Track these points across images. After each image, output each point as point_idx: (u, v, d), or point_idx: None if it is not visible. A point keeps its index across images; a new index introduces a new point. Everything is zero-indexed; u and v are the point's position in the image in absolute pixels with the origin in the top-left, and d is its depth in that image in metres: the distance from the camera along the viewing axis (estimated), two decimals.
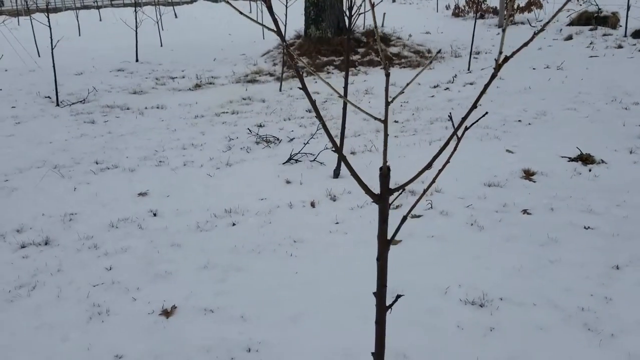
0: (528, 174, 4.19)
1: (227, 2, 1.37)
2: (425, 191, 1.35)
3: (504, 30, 1.16)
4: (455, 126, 1.47)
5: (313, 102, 1.25)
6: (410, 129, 5.49)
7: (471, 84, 7.27)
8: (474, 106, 1.18)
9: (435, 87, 7.28)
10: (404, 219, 1.44)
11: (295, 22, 10.17)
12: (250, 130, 5.57)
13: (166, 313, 2.71)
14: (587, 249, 3.08)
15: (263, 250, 3.27)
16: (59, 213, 3.90)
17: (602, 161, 4.33)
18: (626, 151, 4.51)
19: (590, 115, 5.57)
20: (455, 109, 6.10)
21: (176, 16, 16.37)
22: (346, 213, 3.72)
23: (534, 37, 1.18)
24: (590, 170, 4.19)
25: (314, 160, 4.68)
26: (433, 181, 1.42)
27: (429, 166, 1.26)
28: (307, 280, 2.94)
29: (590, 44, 9.43)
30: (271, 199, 4.00)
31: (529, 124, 5.41)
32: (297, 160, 4.71)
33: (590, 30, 10.28)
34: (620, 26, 10.16)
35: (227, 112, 6.49)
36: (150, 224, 3.70)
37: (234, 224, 3.63)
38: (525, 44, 1.08)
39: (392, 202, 1.42)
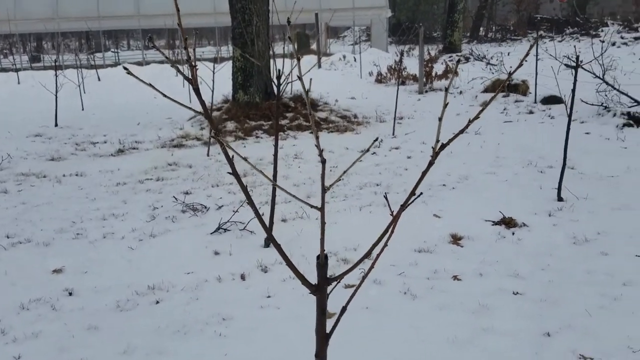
0: (455, 239, 4.26)
1: (142, 81, 1.30)
2: (359, 284, 1.30)
3: (440, 119, 1.16)
4: (392, 209, 1.44)
5: (242, 184, 1.18)
6: (341, 195, 5.51)
7: (396, 148, 7.46)
8: (413, 193, 1.16)
9: (362, 151, 7.41)
10: (344, 309, 1.38)
11: (223, 86, 10.21)
12: (176, 198, 5.39)
13: None
14: (518, 315, 3.11)
15: (189, 331, 3.07)
16: None
17: (524, 224, 4.49)
18: (545, 214, 4.70)
19: (509, 179, 5.82)
20: (383, 173, 6.21)
21: (99, 79, 16.04)
22: (278, 285, 3.59)
23: (469, 124, 1.18)
24: (513, 234, 4.32)
25: (244, 229, 4.56)
26: (366, 274, 1.38)
27: (365, 257, 1.23)
28: None
29: (504, 109, 10.02)
30: (198, 272, 3.82)
31: (453, 188, 5.57)
32: (226, 230, 4.56)
33: (504, 97, 10.97)
34: (530, 93, 10.91)
35: (151, 179, 6.27)
36: (65, 304, 3.41)
37: (157, 302, 3.42)
38: (461, 131, 1.08)
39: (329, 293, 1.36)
